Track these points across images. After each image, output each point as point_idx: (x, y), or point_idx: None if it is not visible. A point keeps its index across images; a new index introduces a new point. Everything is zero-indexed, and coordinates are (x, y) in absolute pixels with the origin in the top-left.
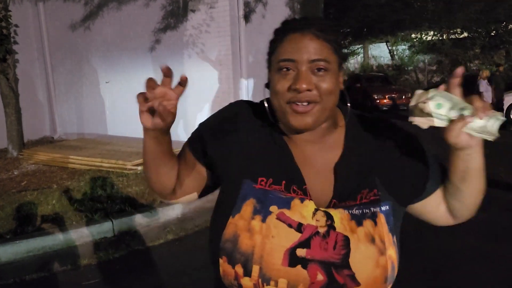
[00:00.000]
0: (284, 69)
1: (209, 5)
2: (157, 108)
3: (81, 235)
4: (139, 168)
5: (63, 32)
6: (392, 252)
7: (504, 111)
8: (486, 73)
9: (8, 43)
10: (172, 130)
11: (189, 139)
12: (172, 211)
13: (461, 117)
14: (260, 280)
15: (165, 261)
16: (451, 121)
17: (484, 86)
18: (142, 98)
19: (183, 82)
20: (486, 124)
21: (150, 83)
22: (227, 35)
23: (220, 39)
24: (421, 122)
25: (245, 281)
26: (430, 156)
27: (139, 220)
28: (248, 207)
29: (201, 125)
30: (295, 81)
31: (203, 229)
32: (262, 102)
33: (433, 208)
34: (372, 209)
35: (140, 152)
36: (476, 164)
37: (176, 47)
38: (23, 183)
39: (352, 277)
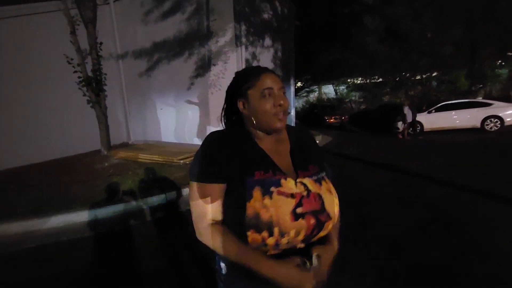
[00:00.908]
0: (266, 95)
1: (224, 61)
2: None
3: (146, 202)
4: (182, 161)
5: (134, 78)
6: (337, 196)
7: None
8: (407, 102)
9: (100, 85)
10: (202, 138)
11: (206, 178)
12: None
13: None
14: (279, 236)
15: None
16: None
17: (407, 110)
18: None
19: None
20: None
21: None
22: None
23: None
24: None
25: (270, 240)
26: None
27: (182, 193)
28: (257, 192)
29: (202, 162)
30: (277, 100)
31: None
32: (227, 125)
33: None
34: (320, 174)
35: (182, 151)
36: None
37: (203, 87)
38: (111, 171)
39: (328, 215)
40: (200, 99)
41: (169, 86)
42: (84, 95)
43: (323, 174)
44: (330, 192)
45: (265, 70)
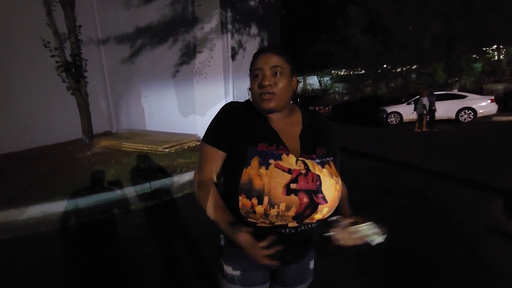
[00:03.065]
0: (257, 75)
1: (210, 49)
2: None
3: (130, 191)
4: (166, 150)
5: (117, 64)
6: (340, 182)
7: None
8: (425, 92)
9: (80, 70)
10: (187, 127)
11: (208, 140)
12: (187, 176)
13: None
14: (268, 206)
15: (182, 206)
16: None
17: (426, 100)
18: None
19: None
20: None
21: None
22: (221, 67)
23: (216, 70)
24: (343, 238)
25: (258, 208)
26: (339, 144)
27: (166, 181)
28: (255, 161)
29: (213, 125)
30: (261, 80)
31: None
32: (247, 100)
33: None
34: (326, 158)
35: (166, 140)
36: None
37: (189, 75)
38: (93, 160)
39: (324, 198)
40: (186, 87)
41: (153, 73)
42: (64, 81)
43: (330, 158)
44: (332, 176)
45: (263, 50)
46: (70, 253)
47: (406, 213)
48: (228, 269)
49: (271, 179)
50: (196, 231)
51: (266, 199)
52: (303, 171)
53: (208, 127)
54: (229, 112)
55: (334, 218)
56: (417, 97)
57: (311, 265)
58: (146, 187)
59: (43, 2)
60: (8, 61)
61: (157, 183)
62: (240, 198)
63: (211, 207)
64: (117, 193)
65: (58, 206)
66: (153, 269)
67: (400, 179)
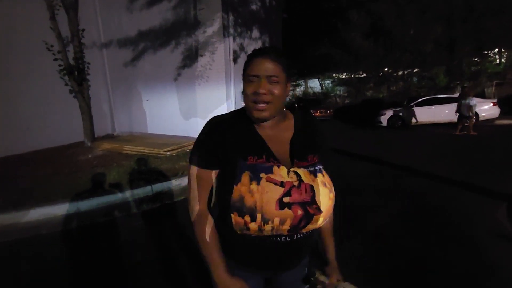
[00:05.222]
0: (253, 81)
1: (211, 52)
2: None
3: (132, 194)
4: (168, 153)
5: (119, 68)
6: (333, 190)
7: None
8: (472, 92)
9: (83, 74)
10: (189, 130)
11: (198, 163)
12: None
13: None
14: (262, 222)
15: (184, 209)
16: None
17: (474, 101)
18: None
19: None
20: None
21: None
22: (222, 71)
23: (218, 73)
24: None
25: (252, 225)
26: (328, 147)
27: (168, 185)
28: (245, 177)
29: (200, 146)
30: (257, 87)
31: None
32: (231, 111)
33: None
34: (318, 167)
35: (168, 143)
36: None
37: (190, 78)
38: (95, 162)
39: (318, 208)
40: (188, 90)
41: (155, 76)
42: (66, 84)
43: (321, 166)
44: (325, 185)
45: (261, 53)
46: (71, 256)
47: (408, 217)
48: None
49: (263, 194)
50: None
51: (259, 216)
52: (296, 183)
53: (194, 147)
54: (213, 128)
55: (316, 275)
56: (457, 96)
57: (306, 270)
58: (147, 190)
59: (47, 6)
60: (11, 64)
61: (158, 186)
62: (233, 216)
63: (211, 249)
64: (118, 196)
65: (59, 209)
66: (154, 273)
67: (402, 182)
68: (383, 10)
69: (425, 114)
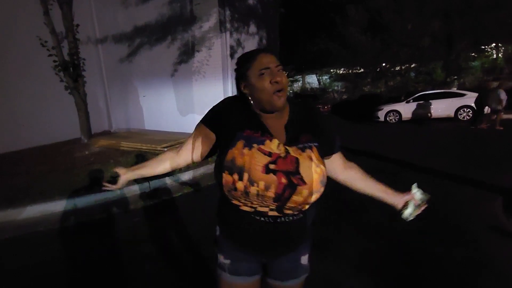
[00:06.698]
0: (264, 74)
1: (208, 47)
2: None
3: (129, 190)
4: (165, 149)
5: (115, 64)
6: (323, 167)
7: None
8: (503, 83)
9: (78, 70)
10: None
11: (204, 121)
12: (187, 175)
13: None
14: (248, 183)
15: (182, 205)
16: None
17: (504, 95)
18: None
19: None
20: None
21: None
22: (219, 66)
23: (215, 69)
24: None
25: (239, 184)
26: (334, 130)
27: (166, 181)
28: (240, 143)
29: (211, 112)
30: (274, 77)
31: (206, 186)
32: (243, 96)
33: (335, 165)
34: (309, 144)
35: (165, 139)
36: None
37: (187, 74)
38: (91, 159)
39: (301, 179)
40: (185, 86)
41: (151, 72)
42: (62, 80)
43: (314, 143)
44: (311, 159)
45: (262, 50)
46: (69, 253)
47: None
48: (220, 258)
49: (252, 158)
50: (195, 230)
51: (246, 175)
52: (283, 155)
53: (207, 113)
54: (227, 104)
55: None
56: (486, 89)
57: (304, 260)
58: (145, 186)
59: (40, 1)
60: (5, 61)
61: (156, 182)
62: (224, 174)
63: (145, 162)
64: (116, 192)
65: (56, 206)
66: (152, 269)
67: (400, 178)
68: (381, 5)
69: (422, 109)
